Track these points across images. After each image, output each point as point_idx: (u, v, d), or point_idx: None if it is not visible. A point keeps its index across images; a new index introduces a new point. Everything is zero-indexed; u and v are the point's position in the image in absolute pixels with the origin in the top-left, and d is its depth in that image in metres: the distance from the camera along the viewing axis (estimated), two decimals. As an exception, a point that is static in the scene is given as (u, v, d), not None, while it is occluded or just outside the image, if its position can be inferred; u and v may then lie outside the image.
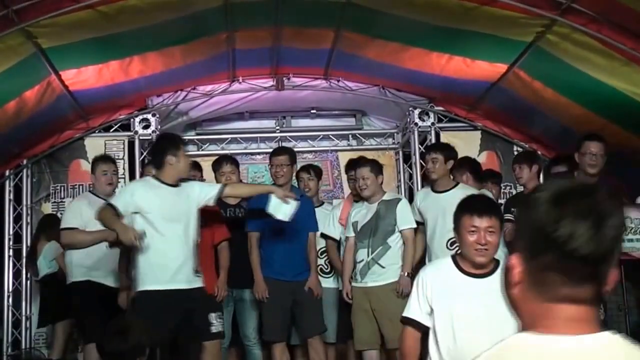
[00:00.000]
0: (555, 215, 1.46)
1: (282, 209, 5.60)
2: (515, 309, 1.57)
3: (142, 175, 6.83)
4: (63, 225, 6.29)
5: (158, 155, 5.54)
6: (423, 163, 8.79)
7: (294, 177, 6.70)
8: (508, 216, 6.53)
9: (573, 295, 1.47)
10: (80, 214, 6.17)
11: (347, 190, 8.83)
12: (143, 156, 8.87)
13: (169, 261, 5.28)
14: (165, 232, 5.30)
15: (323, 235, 6.70)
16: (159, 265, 5.25)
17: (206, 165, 7.25)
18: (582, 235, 1.43)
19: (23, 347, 8.47)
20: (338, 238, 6.57)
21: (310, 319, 6.21)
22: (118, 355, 4.07)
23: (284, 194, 5.68)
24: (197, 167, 6.85)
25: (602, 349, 1.45)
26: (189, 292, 5.33)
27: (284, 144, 9.29)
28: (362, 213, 6.19)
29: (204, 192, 5.59)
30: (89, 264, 6.12)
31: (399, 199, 6.30)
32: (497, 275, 3.57)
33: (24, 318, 8.54)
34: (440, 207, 5.96)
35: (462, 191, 5.99)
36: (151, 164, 5.89)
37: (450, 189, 6.14)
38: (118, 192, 5.98)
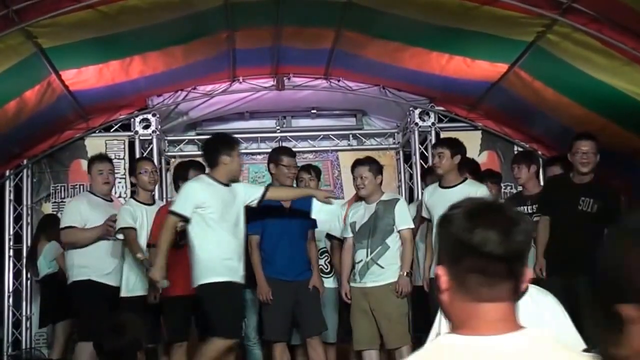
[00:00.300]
0: (469, 226, 1.67)
1: (325, 209, 5.65)
2: (445, 313, 1.76)
3: (132, 172, 6.73)
4: (63, 224, 6.27)
5: (212, 154, 5.66)
6: (423, 163, 8.82)
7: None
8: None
9: (492, 294, 1.67)
10: (79, 212, 6.17)
11: (347, 191, 8.85)
12: (143, 156, 8.86)
13: (223, 260, 5.43)
14: (219, 230, 5.46)
15: (328, 236, 6.69)
16: (213, 262, 5.42)
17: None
18: (493, 239, 1.64)
19: (23, 347, 8.48)
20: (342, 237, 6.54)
21: (310, 319, 6.19)
22: (117, 353, 4.03)
23: (326, 194, 5.84)
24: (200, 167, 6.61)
25: (522, 347, 1.65)
26: (241, 287, 5.59)
27: (284, 144, 9.28)
28: (360, 214, 6.16)
29: (248, 193, 5.71)
30: (90, 264, 6.09)
31: (398, 199, 6.28)
32: None
33: (24, 318, 8.54)
34: (447, 202, 5.90)
35: (469, 187, 5.99)
36: (205, 162, 5.97)
37: (458, 184, 6.09)
38: (178, 196, 5.74)
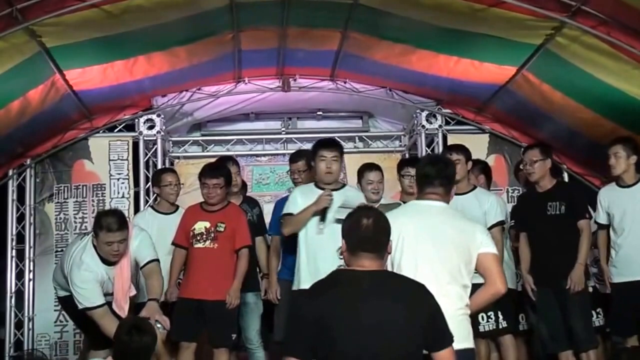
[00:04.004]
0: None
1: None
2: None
3: (156, 183, 6.80)
4: (89, 304, 5.14)
5: None
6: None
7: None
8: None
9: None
10: (94, 283, 5.19)
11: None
12: (147, 157, 8.82)
13: None
14: None
15: None
16: None
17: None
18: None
19: (25, 348, 8.42)
20: None
21: None
22: (143, 349, 4.25)
23: (325, 200, 5.57)
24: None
25: (442, 206, 4.13)
26: None
27: (289, 146, 9.24)
28: None
29: None
30: None
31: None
32: None
33: (26, 319, 8.48)
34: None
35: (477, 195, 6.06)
36: None
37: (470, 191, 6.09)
38: None
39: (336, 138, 6.21)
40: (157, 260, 5.52)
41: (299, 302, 3.51)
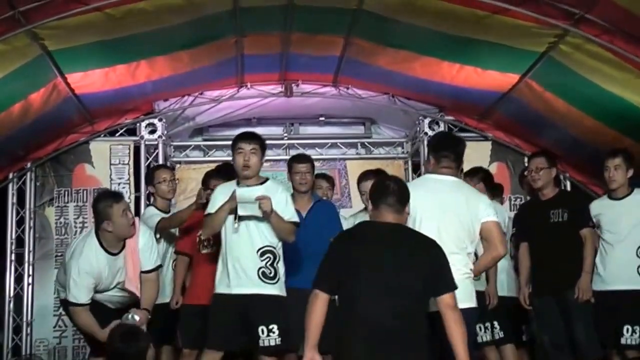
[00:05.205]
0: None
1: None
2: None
3: (150, 181, 6.63)
4: (74, 299, 5.22)
5: None
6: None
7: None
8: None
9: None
10: (91, 280, 5.23)
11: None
12: (149, 161, 8.79)
13: None
14: None
15: None
16: None
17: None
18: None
19: (23, 353, 8.39)
20: None
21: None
22: (139, 355, 4.41)
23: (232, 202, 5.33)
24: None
25: (454, 180, 4.74)
26: None
27: (291, 152, 9.20)
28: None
29: None
30: None
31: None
32: None
33: (24, 324, 8.43)
34: None
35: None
36: None
37: None
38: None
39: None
40: (160, 266, 5.55)
41: (332, 246, 4.09)
